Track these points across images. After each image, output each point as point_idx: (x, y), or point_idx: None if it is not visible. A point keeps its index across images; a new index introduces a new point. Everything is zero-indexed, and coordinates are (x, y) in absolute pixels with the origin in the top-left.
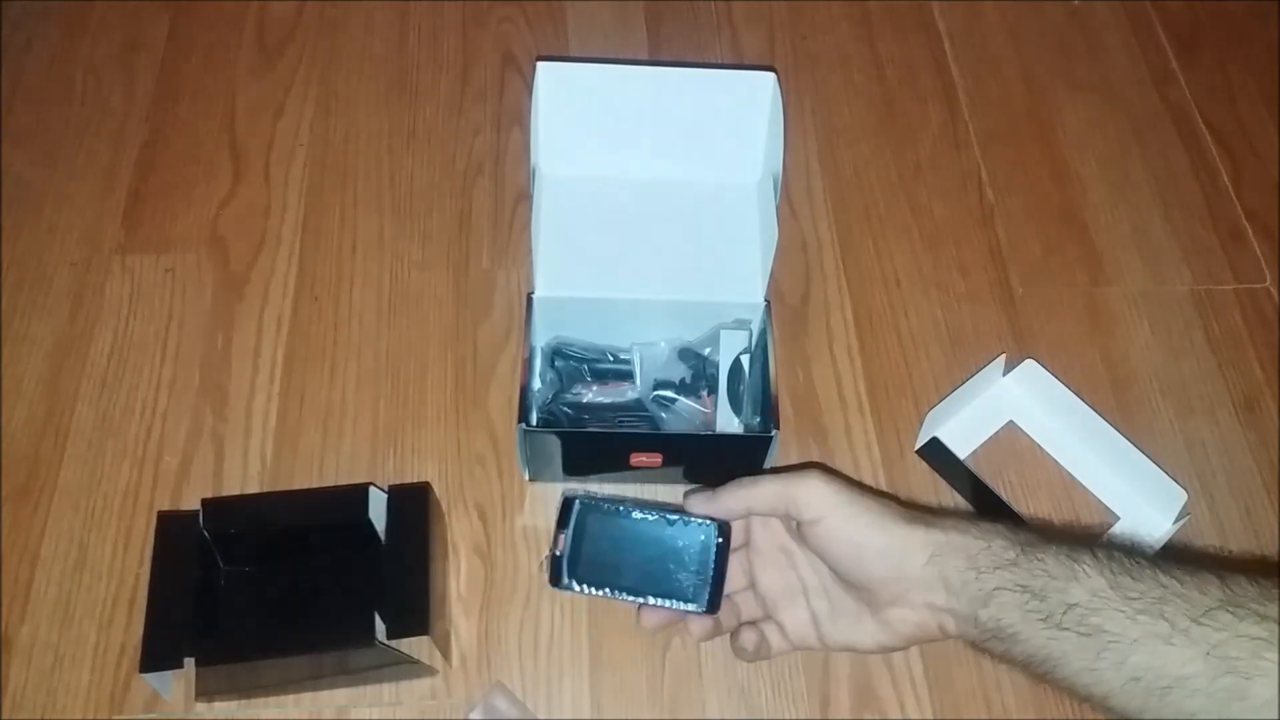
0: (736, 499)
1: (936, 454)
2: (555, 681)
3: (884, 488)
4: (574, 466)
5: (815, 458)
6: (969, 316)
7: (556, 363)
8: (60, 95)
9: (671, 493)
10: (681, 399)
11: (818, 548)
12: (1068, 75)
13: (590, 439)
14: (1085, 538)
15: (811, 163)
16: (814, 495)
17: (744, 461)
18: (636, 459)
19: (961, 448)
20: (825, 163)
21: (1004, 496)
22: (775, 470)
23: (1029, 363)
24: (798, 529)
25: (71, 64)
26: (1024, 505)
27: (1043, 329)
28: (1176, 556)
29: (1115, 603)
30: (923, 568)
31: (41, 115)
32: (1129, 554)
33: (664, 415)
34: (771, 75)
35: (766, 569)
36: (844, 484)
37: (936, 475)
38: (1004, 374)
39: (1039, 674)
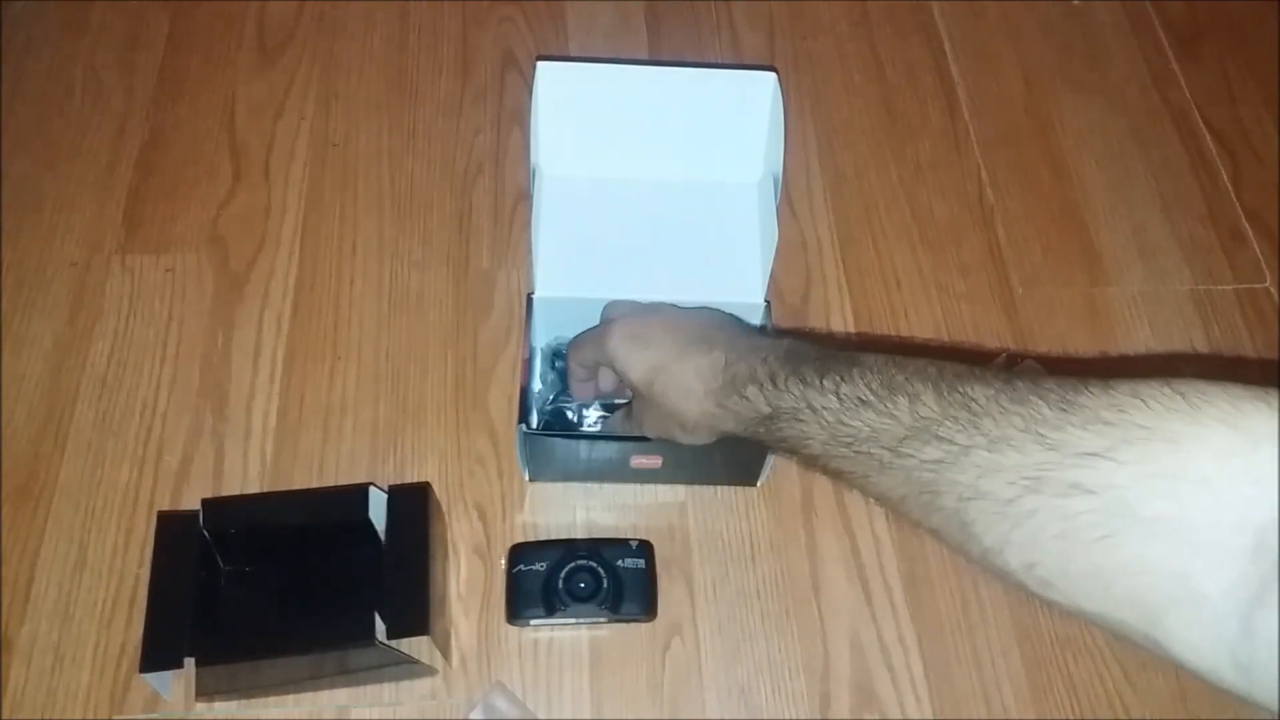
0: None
1: None
2: (555, 681)
3: None
4: (574, 469)
5: None
6: (969, 316)
7: (557, 363)
8: (60, 95)
9: (671, 494)
10: None
11: (631, 409)
12: (1068, 75)
13: (590, 443)
14: (808, 383)
15: (811, 163)
16: (619, 360)
17: (744, 462)
18: (637, 461)
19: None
20: (825, 163)
21: None
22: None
23: (1028, 363)
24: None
25: (71, 64)
26: None
27: (1043, 329)
28: (881, 376)
29: (839, 450)
30: (710, 434)
31: (41, 115)
32: (840, 396)
33: None
34: (772, 75)
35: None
36: (638, 328)
37: None
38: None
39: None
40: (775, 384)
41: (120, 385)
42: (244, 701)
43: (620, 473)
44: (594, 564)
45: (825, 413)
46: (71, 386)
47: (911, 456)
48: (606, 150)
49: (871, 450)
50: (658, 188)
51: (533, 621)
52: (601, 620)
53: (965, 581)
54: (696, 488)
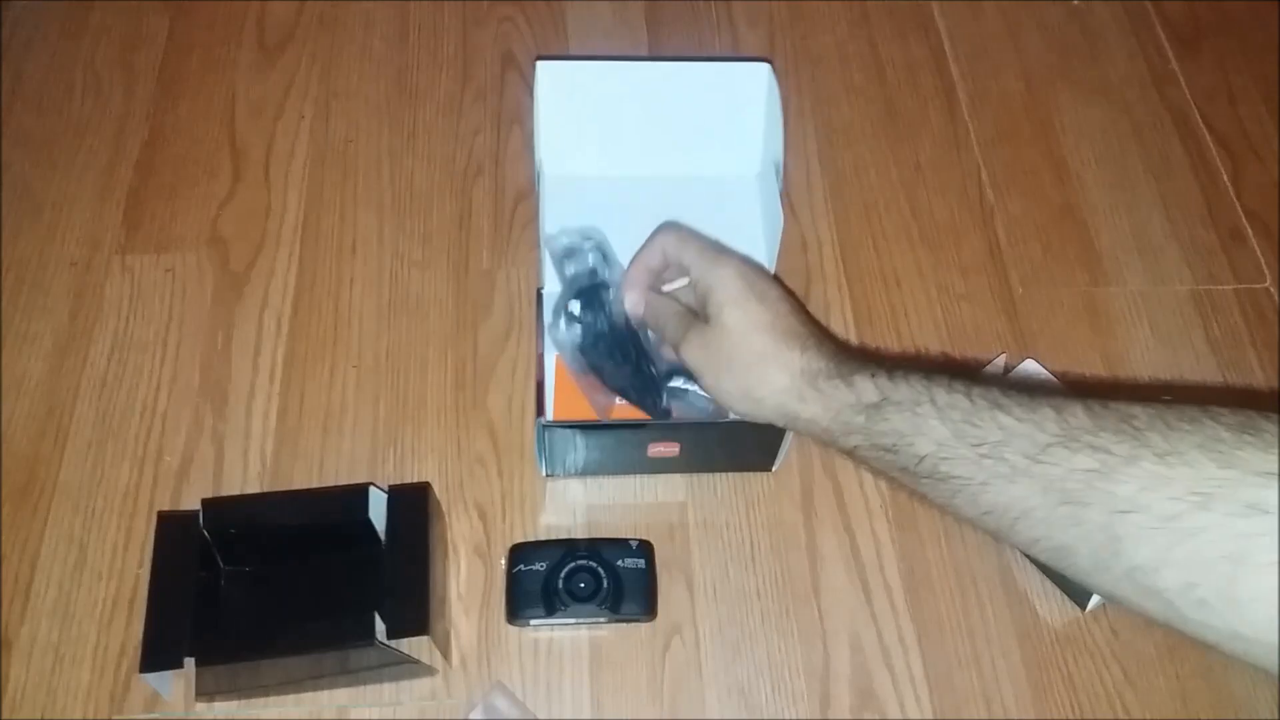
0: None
1: None
2: (555, 681)
3: (884, 488)
4: (591, 461)
5: (815, 457)
6: (969, 316)
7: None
8: (60, 95)
9: (671, 494)
10: (693, 388)
11: (707, 341)
12: (1068, 75)
13: (609, 432)
14: (932, 379)
15: (811, 162)
16: (723, 292)
17: (760, 447)
18: (654, 449)
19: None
20: (825, 162)
21: None
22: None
23: (1029, 363)
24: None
25: (71, 64)
26: None
27: (1043, 329)
28: (1017, 388)
29: (960, 450)
30: (774, 413)
31: (41, 115)
32: (971, 397)
33: (677, 405)
34: (766, 65)
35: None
36: (756, 282)
37: None
38: (1004, 374)
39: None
40: (891, 375)
41: (120, 385)
42: (244, 701)
43: (637, 463)
44: (594, 564)
45: (951, 410)
46: (71, 386)
47: (1056, 465)
48: (609, 146)
49: (1005, 455)
50: (660, 181)
51: (533, 621)
52: (601, 620)
53: (965, 581)
54: (697, 487)
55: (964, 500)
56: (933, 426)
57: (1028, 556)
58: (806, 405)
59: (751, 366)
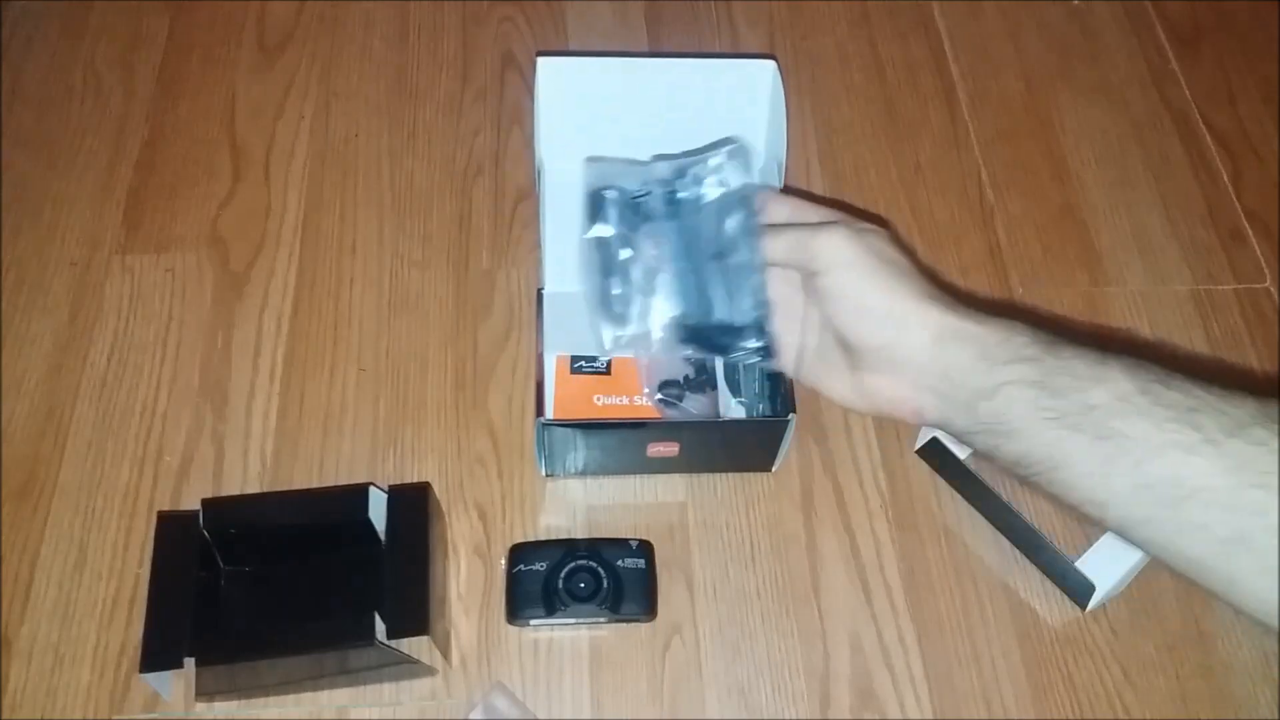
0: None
1: (936, 454)
2: (555, 681)
3: (884, 488)
4: (591, 460)
5: (815, 457)
6: None
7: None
8: (60, 95)
9: (671, 494)
10: (688, 394)
11: (821, 299)
12: (1068, 75)
13: (609, 432)
14: (1113, 347)
15: (811, 163)
16: (829, 246)
17: (760, 447)
18: (654, 449)
19: (961, 448)
20: (825, 163)
21: (1004, 496)
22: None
23: None
24: (808, 279)
25: (71, 64)
26: (1025, 505)
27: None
28: (1207, 376)
29: (1142, 408)
30: (924, 348)
31: (41, 115)
32: (1160, 365)
33: (672, 413)
34: (771, 63)
35: (774, 283)
36: (869, 238)
37: (936, 475)
38: None
39: (1028, 474)
40: (1052, 346)
41: (120, 385)
42: (244, 701)
43: (637, 463)
44: (594, 564)
45: (1140, 369)
46: (71, 386)
47: (1258, 445)
48: (610, 143)
49: (1197, 421)
50: None
51: (533, 621)
52: (601, 620)
53: (965, 581)
54: (697, 487)
55: (1122, 468)
56: (1115, 377)
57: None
58: (947, 353)
59: (881, 335)
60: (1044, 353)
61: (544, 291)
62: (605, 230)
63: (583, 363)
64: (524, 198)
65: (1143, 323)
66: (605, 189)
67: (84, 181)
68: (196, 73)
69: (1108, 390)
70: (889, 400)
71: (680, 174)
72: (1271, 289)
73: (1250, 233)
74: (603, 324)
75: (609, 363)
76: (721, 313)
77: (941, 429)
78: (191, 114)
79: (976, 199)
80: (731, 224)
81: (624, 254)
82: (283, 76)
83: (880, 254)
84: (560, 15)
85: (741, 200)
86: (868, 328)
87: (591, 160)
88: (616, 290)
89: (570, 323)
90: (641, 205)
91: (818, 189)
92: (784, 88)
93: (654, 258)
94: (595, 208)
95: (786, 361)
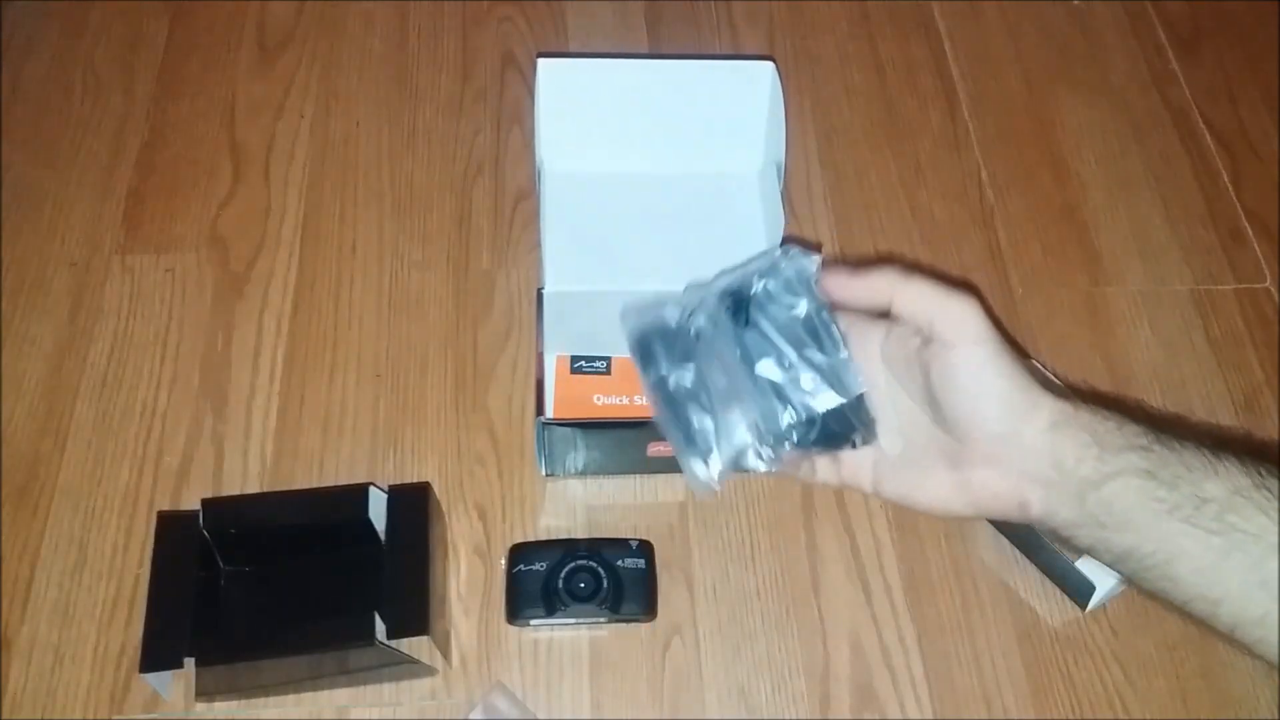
0: (881, 287)
1: None
2: (555, 681)
3: None
4: (591, 460)
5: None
6: None
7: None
8: (60, 95)
9: (672, 493)
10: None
11: (937, 377)
12: (1068, 75)
13: (609, 431)
14: (1224, 439)
15: (811, 163)
16: (966, 316)
17: None
18: (654, 449)
19: None
20: (825, 163)
21: None
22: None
23: (1031, 363)
24: (922, 347)
25: (71, 64)
26: None
27: (1043, 329)
28: None
29: (1259, 503)
30: (1039, 434)
31: (41, 115)
32: (1262, 462)
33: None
34: (770, 64)
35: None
36: (992, 324)
37: None
38: None
39: (1137, 568)
40: (1164, 436)
41: (120, 385)
42: (244, 701)
43: (637, 463)
44: (594, 564)
45: (1253, 463)
46: (71, 386)
47: None
48: (610, 144)
49: None
50: (662, 179)
51: (533, 621)
52: (601, 620)
53: (965, 581)
54: None
55: (1238, 563)
56: (1230, 469)
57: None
58: (1059, 448)
59: (1008, 400)
60: (1156, 442)
61: (544, 291)
62: (664, 371)
63: (583, 362)
64: (524, 198)
65: (1143, 323)
66: (649, 331)
67: (84, 181)
68: (196, 73)
69: (1222, 483)
70: (994, 495)
71: (724, 293)
72: (1271, 289)
73: (1250, 233)
74: (697, 463)
75: (609, 363)
76: (813, 405)
77: (1045, 523)
78: (191, 114)
79: (976, 199)
80: (797, 312)
81: (689, 383)
82: (283, 76)
83: (1002, 335)
84: (560, 15)
85: (801, 283)
86: (990, 413)
87: (627, 310)
88: (697, 425)
89: (570, 323)
90: (691, 329)
91: (817, 189)
92: (784, 88)
93: (723, 377)
94: (645, 354)
95: (859, 475)
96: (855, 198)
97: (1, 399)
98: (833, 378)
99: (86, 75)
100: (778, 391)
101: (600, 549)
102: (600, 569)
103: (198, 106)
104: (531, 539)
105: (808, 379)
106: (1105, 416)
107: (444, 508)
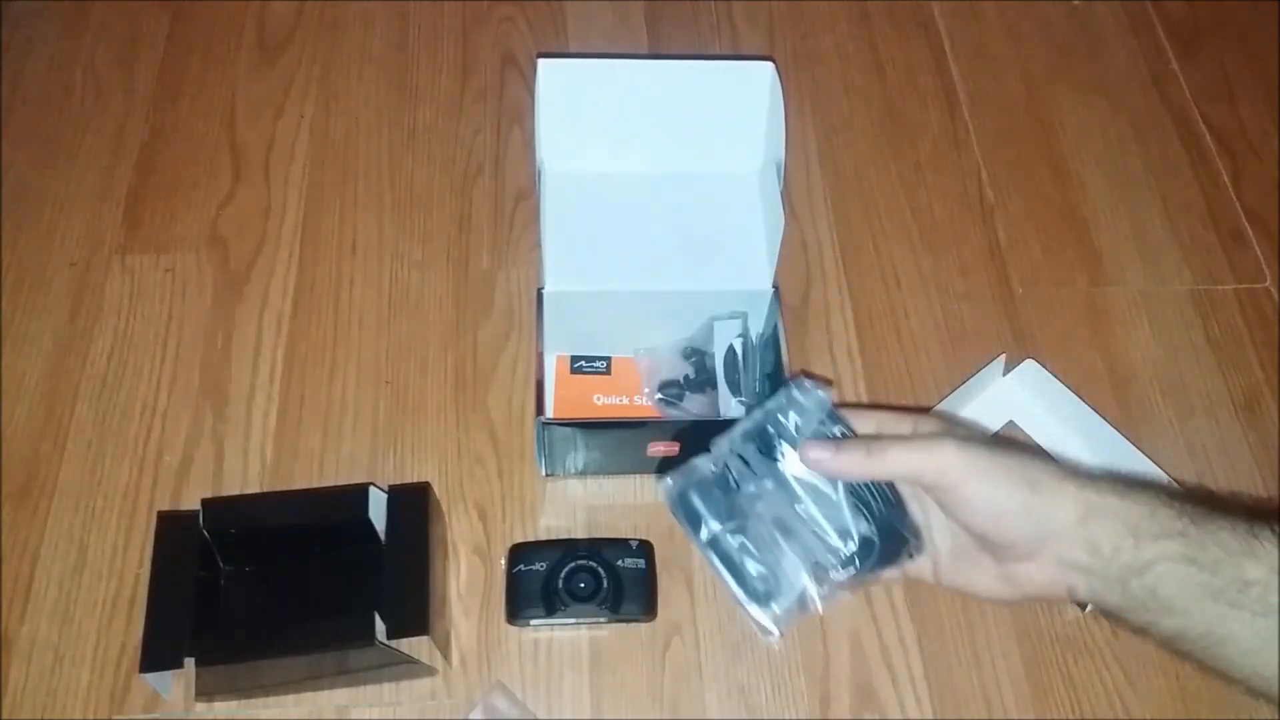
0: (860, 466)
1: None
2: (555, 681)
3: None
4: (592, 460)
5: None
6: (969, 316)
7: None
8: (60, 95)
9: None
10: (688, 394)
11: (951, 513)
12: (1068, 75)
13: (609, 431)
14: (1257, 512)
15: (811, 162)
16: (947, 464)
17: None
18: (654, 449)
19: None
20: (825, 162)
21: None
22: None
23: (1029, 363)
24: (927, 493)
25: (71, 64)
26: None
27: (1043, 329)
28: None
29: None
30: (1071, 529)
31: (41, 115)
32: None
33: (672, 413)
34: (770, 64)
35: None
36: (980, 446)
37: None
38: (1004, 374)
39: (1189, 649)
40: (1198, 518)
41: (120, 385)
42: (244, 701)
43: (637, 463)
44: (594, 564)
45: None
46: (71, 386)
47: None
48: (610, 144)
49: None
50: (662, 179)
51: (533, 621)
52: (601, 620)
53: None
54: None
55: None
56: (1267, 550)
57: None
58: (1104, 522)
59: (1006, 534)
60: (1191, 525)
61: (544, 291)
62: (713, 528)
63: (583, 362)
64: (524, 198)
65: (1143, 323)
66: (687, 489)
67: (84, 181)
68: (196, 73)
69: (1262, 564)
70: (1039, 585)
71: (749, 434)
72: (1271, 289)
73: (1250, 233)
74: (760, 610)
75: (609, 363)
76: (865, 529)
77: (1094, 605)
78: (191, 114)
79: (976, 199)
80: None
81: (739, 535)
82: (283, 76)
83: (994, 451)
84: (560, 15)
85: (822, 412)
86: (1010, 526)
87: (661, 475)
88: (754, 574)
89: (570, 323)
90: (728, 480)
91: (818, 189)
92: (784, 88)
93: (770, 522)
94: (690, 513)
95: (921, 571)
96: (855, 198)
97: (1, 399)
98: (877, 498)
99: (86, 75)
100: (828, 524)
101: (600, 549)
102: (600, 569)
103: (198, 106)
104: (531, 539)
105: (853, 505)
106: (1135, 501)
107: (444, 508)
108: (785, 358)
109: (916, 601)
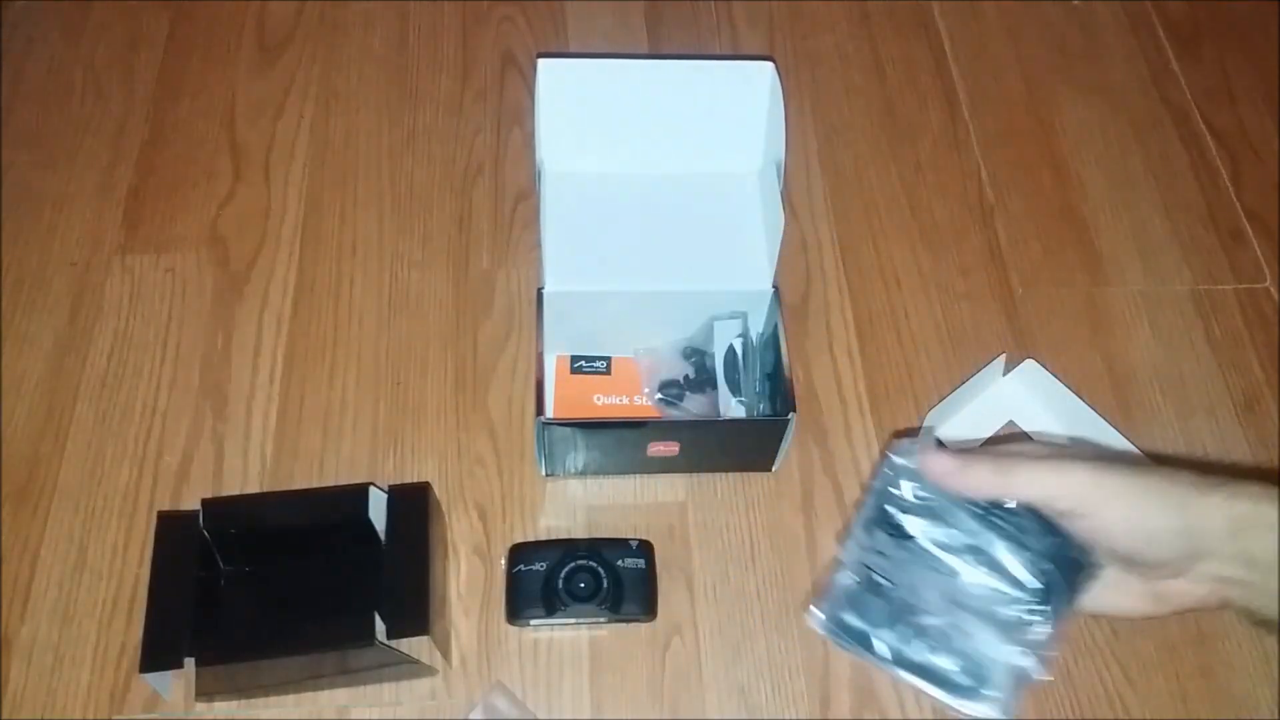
0: (987, 481)
1: None
2: (555, 681)
3: None
4: (591, 461)
5: (815, 457)
6: (969, 316)
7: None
8: (60, 95)
9: (672, 493)
10: (688, 394)
11: (1091, 537)
12: (1068, 75)
13: (609, 431)
14: None
15: (811, 162)
16: (1081, 489)
17: (760, 447)
18: (654, 449)
19: (961, 448)
20: (825, 162)
21: None
22: (1023, 445)
23: (1029, 363)
24: (1061, 517)
25: (71, 64)
26: None
27: (1043, 329)
28: None
29: None
30: (1222, 543)
31: (41, 115)
32: None
33: (672, 412)
34: (770, 65)
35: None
36: (1112, 465)
37: None
38: (1004, 374)
39: None
40: None
41: (120, 385)
42: (244, 701)
43: (637, 463)
44: (594, 564)
45: None
46: (71, 386)
47: None
48: (610, 144)
49: None
50: (662, 179)
51: (533, 621)
52: (601, 620)
53: None
54: (697, 487)
55: None
56: None
57: None
58: (1207, 516)
59: (1126, 523)
60: None
61: (544, 291)
62: (886, 639)
63: (583, 362)
64: (524, 198)
65: (1143, 323)
66: (839, 610)
67: (84, 181)
68: (196, 73)
69: None
70: (1192, 601)
71: (870, 524)
72: (1271, 289)
73: (1250, 233)
74: (978, 704)
75: (609, 363)
76: (1047, 565)
77: (1249, 614)
78: (191, 114)
79: (976, 199)
80: (970, 524)
81: (918, 641)
82: (283, 76)
83: (1128, 471)
84: (560, 15)
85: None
86: (1160, 546)
87: (815, 605)
88: (956, 669)
89: (570, 323)
90: (875, 582)
91: (817, 189)
92: (783, 88)
93: (938, 605)
94: (855, 636)
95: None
96: (855, 198)
97: (1, 399)
98: (1029, 531)
99: (86, 75)
100: (999, 579)
101: (600, 549)
102: (600, 569)
103: (198, 106)
104: (531, 539)
105: (1012, 548)
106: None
107: (444, 508)
108: (785, 358)
109: None
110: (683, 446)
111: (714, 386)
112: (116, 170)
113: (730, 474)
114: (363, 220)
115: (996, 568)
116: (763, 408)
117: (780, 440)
